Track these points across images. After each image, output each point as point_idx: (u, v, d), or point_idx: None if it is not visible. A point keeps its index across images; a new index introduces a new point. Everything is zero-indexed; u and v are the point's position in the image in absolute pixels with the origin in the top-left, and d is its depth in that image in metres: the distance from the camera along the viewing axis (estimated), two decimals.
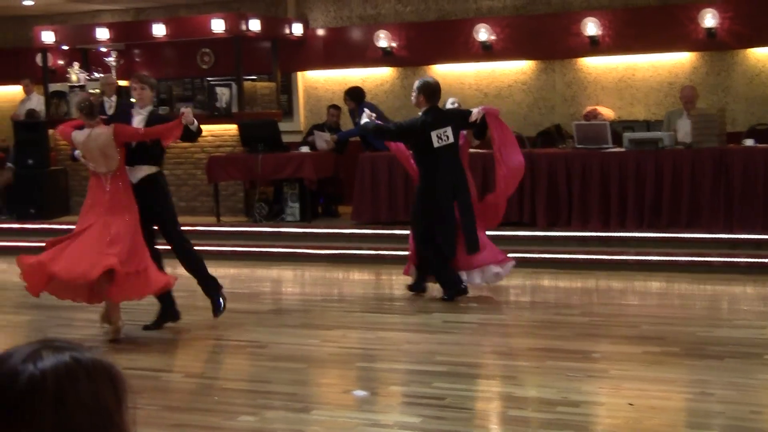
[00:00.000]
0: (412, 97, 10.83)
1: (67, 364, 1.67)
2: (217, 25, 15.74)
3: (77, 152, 9.33)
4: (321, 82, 17.31)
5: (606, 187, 12.83)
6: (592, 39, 15.08)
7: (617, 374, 7.57)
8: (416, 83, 10.87)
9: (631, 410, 6.57)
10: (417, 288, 11.00)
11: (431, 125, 10.34)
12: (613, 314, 10.10)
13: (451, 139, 10.38)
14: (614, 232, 12.76)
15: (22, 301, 12.04)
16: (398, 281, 12.18)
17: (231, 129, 15.58)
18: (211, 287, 9.66)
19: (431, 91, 10.68)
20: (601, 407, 6.96)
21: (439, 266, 10.63)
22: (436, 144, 10.28)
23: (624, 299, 11.26)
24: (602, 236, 12.79)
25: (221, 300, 9.57)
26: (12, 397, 1.61)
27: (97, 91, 16.22)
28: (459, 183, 10.60)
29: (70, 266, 8.87)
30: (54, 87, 17.67)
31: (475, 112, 10.62)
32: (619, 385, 7.28)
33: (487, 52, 15.82)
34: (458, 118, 10.71)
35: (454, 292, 10.51)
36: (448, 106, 11.46)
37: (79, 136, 9.24)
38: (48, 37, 17.15)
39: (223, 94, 16.25)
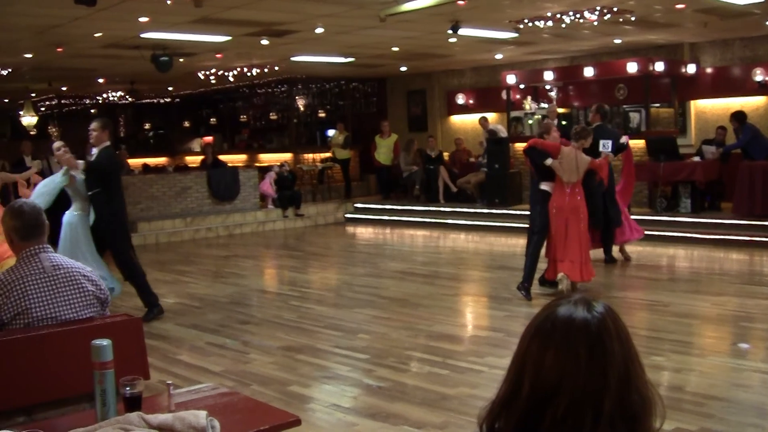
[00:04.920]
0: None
1: (608, 308, 1.69)
2: (631, 67, 15.41)
3: (550, 160, 9.06)
4: (708, 108, 16.42)
5: None
6: None
7: None
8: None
9: None
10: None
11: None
12: None
13: None
14: None
15: (489, 264, 12.39)
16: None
17: (640, 143, 15.15)
18: None
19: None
20: None
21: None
22: None
23: None
24: None
25: None
26: (592, 335, 1.63)
27: (539, 116, 16.45)
28: None
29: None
30: (513, 114, 18.01)
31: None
32: None
33: None
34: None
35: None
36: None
37: (566, 150, 9.10)
38: (511, 79, 17.50)
39: (634, 117, 15.99)
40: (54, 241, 8.56)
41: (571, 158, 9.07)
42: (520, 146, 16.60)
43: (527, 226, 9.99)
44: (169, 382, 3.11)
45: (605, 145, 9.76)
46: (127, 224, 9.34)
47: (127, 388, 2.87)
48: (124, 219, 9.13)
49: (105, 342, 2.94)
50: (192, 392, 3.31)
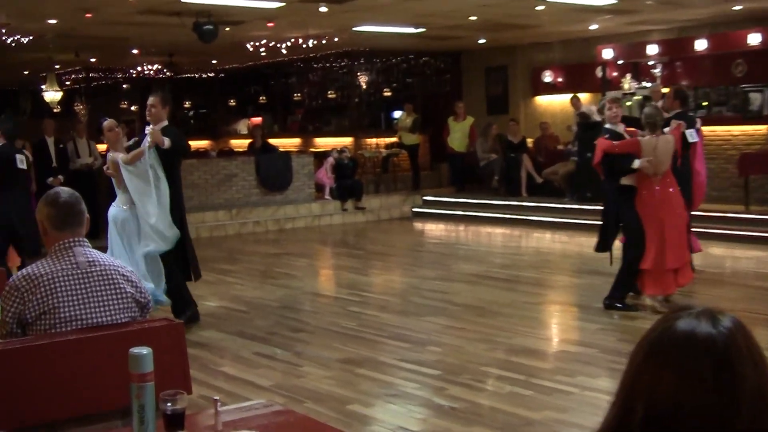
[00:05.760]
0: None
1: (738, 322, 1.65)
2: (754, 39, 15.25)
3: (637, 161, 8.64)
4: None
5: None
6: None
7: None
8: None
9: None
10: None
11: None
12: None
13: None
14: None
15: (578, 268, 12.24)
16: None
17: (761, 129, 14.93)
18: None
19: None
20: None
21: None
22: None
23: None
24: None
25: None
26: (719, 354, 1.58)
27: (638, 97, 16.22)
28: None
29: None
30: (610, 95, 17.78)
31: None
32: None
33: None
34: None
35: None
36: None
37: (645, 141, 8.76)
38: (607, 53, 17.42)
39: (755, 99, 15.72)
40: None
41: (652, 147, 8.74)
42: None
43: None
44: (216, 397, 3.10)
45: (691, 135, 9.61)
46: (185, 215, 9.21)
47: (169, 404, 2.86)
48: (182, 208, 9.09)
49: (145, 350, 2.93)
50: (242, 410, 3.30)
